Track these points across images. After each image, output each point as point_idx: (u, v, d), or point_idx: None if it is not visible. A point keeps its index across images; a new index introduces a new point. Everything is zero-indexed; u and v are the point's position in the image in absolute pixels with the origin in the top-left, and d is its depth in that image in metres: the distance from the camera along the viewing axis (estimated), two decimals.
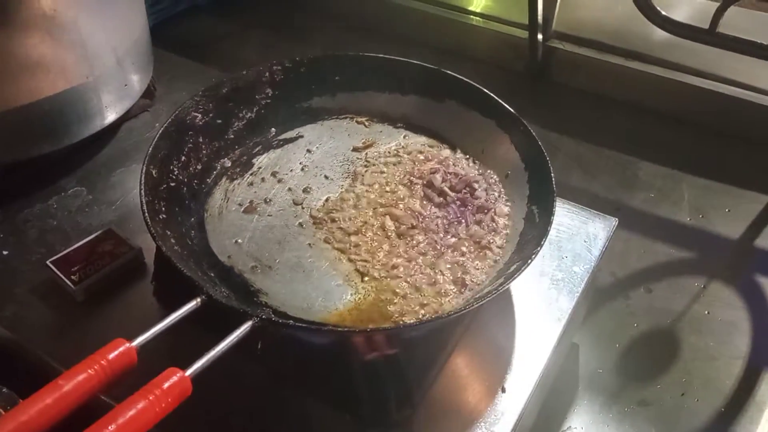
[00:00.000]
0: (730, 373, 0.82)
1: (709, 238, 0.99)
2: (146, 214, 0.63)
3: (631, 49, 1.19)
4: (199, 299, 0.56)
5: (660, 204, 1.04)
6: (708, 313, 0.88)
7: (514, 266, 0.63)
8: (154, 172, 0.69)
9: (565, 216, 0.79)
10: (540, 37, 1.18)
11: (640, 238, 0.98)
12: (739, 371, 0.82)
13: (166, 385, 0.46)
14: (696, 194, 1.05)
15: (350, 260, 0.69)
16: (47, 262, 0.71)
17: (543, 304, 0.70)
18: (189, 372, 0.48)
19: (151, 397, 0.45)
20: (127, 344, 0.49)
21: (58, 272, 0.70)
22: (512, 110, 0.76)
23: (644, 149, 1.12)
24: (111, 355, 0.48)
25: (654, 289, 0.92)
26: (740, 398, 0.80)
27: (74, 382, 0.45)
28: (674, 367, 0.83)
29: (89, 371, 0.46)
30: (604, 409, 0.80)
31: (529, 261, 0.60)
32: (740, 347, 0.85)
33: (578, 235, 0.77)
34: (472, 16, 1.30)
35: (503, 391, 0.63)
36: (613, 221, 0.78)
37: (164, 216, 0.67)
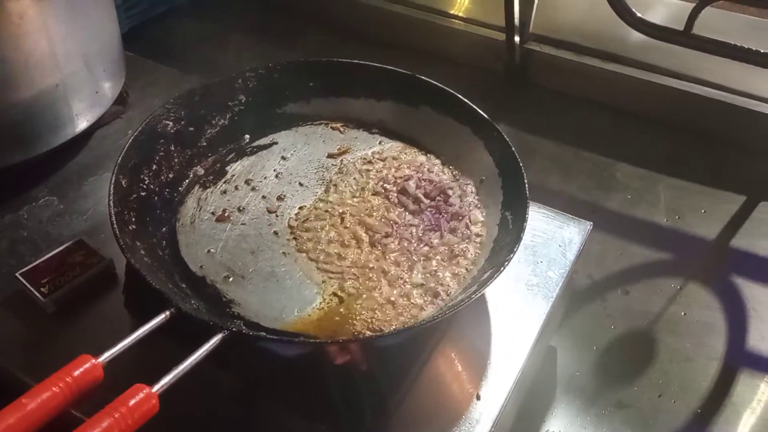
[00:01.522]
0: (706, 374, 0.83)
1: (685, 239, 0.99)
2: (115, 226, 0.62)
3: (608, 51, 1.19)
4: (168, 312, 0.55)
5: (637, 205, 1.04)
6: (684, 314, 0.89)
7: (487, 274, 0.62)
8: (123, 182, 0.68)
9: (540, 221, 0.79)
10: (517, 39, 1.18)
11: (617, 240, 0.98)
12: (716, 372, 0.83)
13: (131, 402, 0.46)
14: (673, 195, 1.05)
15: (324, 270, 0.69)
16: (17, 274, 0.70)
17: (518, 310, 0.70)
18: (156, 388, 0.48)
19: (116, 415, 0.45)
20: (93, 360, 0.48)
21: (28, 284, 0.69)
22: (486, 116, 0.76)
23: (621, 151, 1.13)
24: (76, 372, 0.47)
25: (631, 290, 0.92)
26: (717, 399, 0.80)
27: (38, 401, 0.44)
28: (651, 369, 0.83)
29: (54, 389, 0.45)
30: (582, 411, 0.80)
31: (502, 268, 0.60)
32: (717, 348, 0.85)
33: (553, 239, 0.77)
34: (451, 19, 1.30)
35: (478, 398, 0.63)
36: (588, 225, 0.78)
37: (134, 227, 0.66)
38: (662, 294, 0.91)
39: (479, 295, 0.59)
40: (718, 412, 0.79)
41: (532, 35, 1.23)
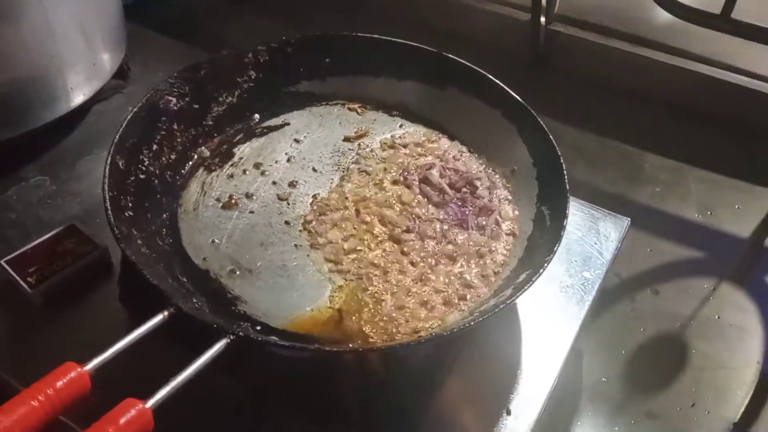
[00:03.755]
0: (742, 381, 0.78)
1: (717, 237, 0.95)
2: (109, 212, 0.57)
3: (637, 34, 1.14)
4: (166, 312, 0.50)
5: (666, 199, 0.99)
6: (718, 317, 0.84)
7: (523, 276, 0.57)
8: (121, 164, 0.63)
9: (573, 215, 0.73)
10: (543, 20, 1.12)
11: (646, 236, 0.94)
12: (752, 379, 0.78)
13: (122, 420, 0.40)
14: (703, 189, 1.01)
15: (339, 268, 0.64)
16: (1, 261, 0.65)
17: (551, 314, 0.66)
18: (150, 403, 0.42)
19: None
20: (79, 369, 0.43)
21: (14, 273, 0.64)
22: (520, 100, 0.71)
23: (650, 140, 1.08)
24: (59, 383, 0.42)
25: (661, 290, 0.88)
26: (753, 409, 0.76)
27: (14, 417, 0.39)
28: (683, 376, 0.79)
29: (32, 403, 0.40)
30: (609, 421, 0.75)
31: (541, 270, 0.55)
32: (752, 354, 0.81)
33: (588, 236, 0.71)
34: None
35: (508, 413, 0.58)
36: (626, 221, 0.73)
37: (131, 213, 0.62)
38: (694, 295, 0.87)
39: (516, 298, 0.53)
40: (755, 423, 0.74)
41: (558, 16, 1.17)
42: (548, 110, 1.09)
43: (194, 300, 0.57)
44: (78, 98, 0.82)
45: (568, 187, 0.63)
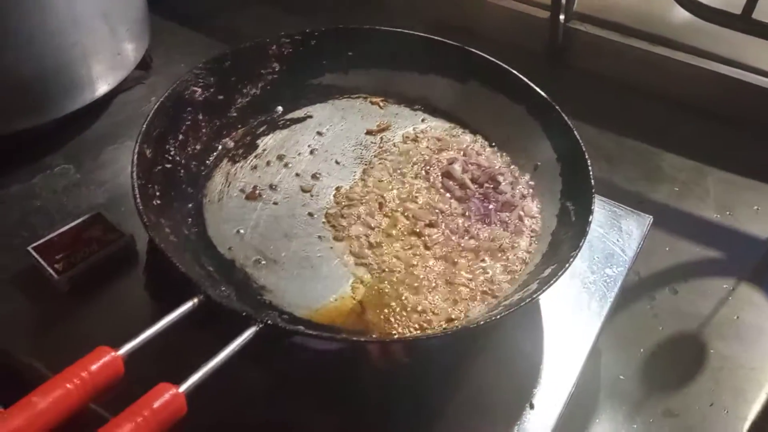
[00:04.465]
0: (761, 382, 0.77)
1: (736, 237, 0.94)
2: (138, 200, 0.57)
3: (657, 33, 1.13)
4: (196, 299, 0.50)
5: (685, 198, 0.98)
6: (737, 317, 0.84)
7: (549, 270, 0.57)
8: (148, 152, 0.63)
9: (596, 212, 0.72)
10: (562, 17, 1.11)
11: (665, 235, 0.93)
12: None
13: (156, 404, 0.40)
14: (722, 189, 1.00)
15: (362, 261, 0.64)
16: (29, 248, 0.65)
17: (573, 310, 0.65)
18: (183, 388, 0.42)
19: (139, 419, 0.39)
20: (113, 353, 0.43)
21: (41, 259, 0.64)
22: (545, 95, 0.70)
23: (668, 140, 1.07)
24: (94, 367, 0.42)
25: (680, 290, 0.87)
26: None
27: (50, 399, 0.39)
28: (701, 375, 0.78)
29: (68, 386, 0.40)
30: (628, 419, 0.74)
31: (567, 265, 0.55)
32: None
33: (610, 233, 0.71)
34: None
35: (531, 407, 0.58)
36: (648, 219, 0.73)
37: (158, 202, 0.62)
38: (713, 295, 0.86)
39: (542, 293, 0.53)
40: None
41: (576, 14, 1.16)
42: (566, 108, 1.09)
43: (222, 288, 0.57)
44: (102, 88, 0.82)
45: (593, 184, 0.63)
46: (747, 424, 0.74)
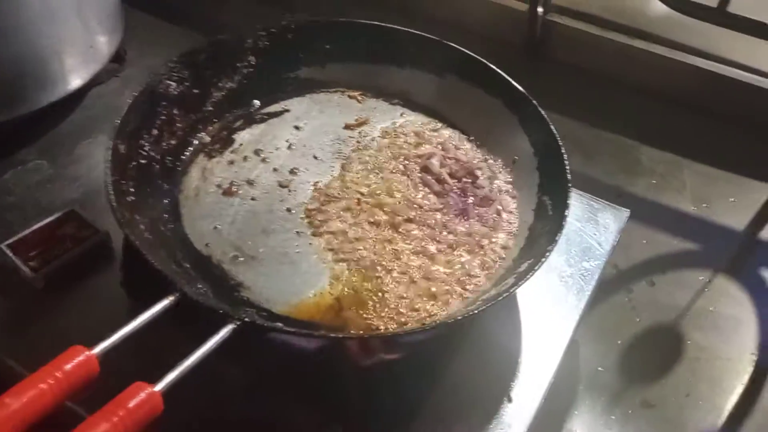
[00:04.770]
0: (736, 372, 0.78)
1: (712, 229, 0.95)
2: (112, 196, 0.57)
3: (634, 26, 1.14)
4: (172, 297, 0.49)
5: (662, 191, 0.99)
6: (713, 309, 0.85)
7: (525, 265, 0.57)
8: (122, 148, 0.62)
9: (572, 206, 0.72)
10: (540, 10, 1.11)
11: (642, 227, 0.94)
12: (747, 371, 0.79)
13: (132, 403, 0.40)
14: (698, 182, 1.01)
15: (341, 258, 0.64)
16: (2, 245, 0.65)
17: (551, 304, 0.66)
18: (159, 387, 0.42)
19: (114, 419, 0.39)
20: (87, 352, 0.42)
21: (15, 257, 0.64)
22: (521, 89, 0.70)
23: (646, 133, 1.07)
24: (68, 366, 0.41)
25: (657, 282, 0.88)
26: (748, 400, 0.76)
27: (23, 400, 0.38)
28: (678, 366, 0.79)
29: (42, 386, 0.39)
30: (606, 411, 0.75)
31: (543, 259, 0.55)
32: (747, 345, 0.81)
33: (587, 227, 0.72)
34: None
35: (509, 400, 0.58)
36: (625, 213, 0.73)
37: (133, 198, 0.61)
38: (690, 287, 0.87)
39: (518, 288, 0.54)
40: (749, 413, 0.75)
41: (555, 7, 1.17)
42: (544, 101, 1.09)
43: (198, 285, 0.57)
44: (75, 81, 0.81)
45: (570, 178, 0.63)
46: (724, 414, 0.75)
